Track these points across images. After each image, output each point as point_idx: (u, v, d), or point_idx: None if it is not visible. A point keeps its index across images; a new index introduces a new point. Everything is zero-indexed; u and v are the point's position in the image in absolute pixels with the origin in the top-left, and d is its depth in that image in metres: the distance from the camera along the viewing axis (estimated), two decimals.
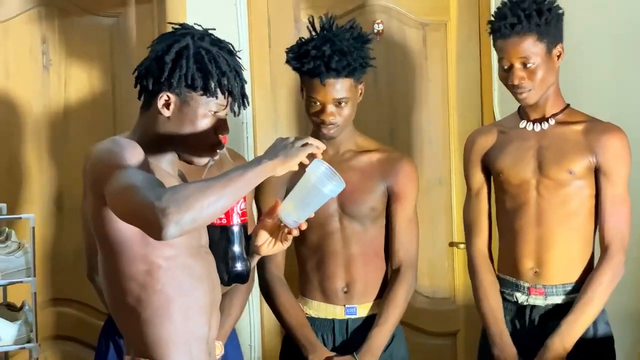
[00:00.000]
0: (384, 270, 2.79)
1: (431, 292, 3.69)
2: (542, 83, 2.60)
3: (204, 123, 1.97)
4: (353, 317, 2.72)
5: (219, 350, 2.56)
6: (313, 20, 2.69)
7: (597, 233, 2.65)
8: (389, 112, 3.68)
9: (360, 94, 2.71)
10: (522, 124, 2.70)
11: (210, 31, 2.05)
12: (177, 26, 2.05)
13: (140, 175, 1.82)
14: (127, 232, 1.90)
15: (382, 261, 2.78)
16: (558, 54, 2.62)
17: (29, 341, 2.67)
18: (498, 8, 2.64)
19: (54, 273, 3.34)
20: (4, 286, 2.85)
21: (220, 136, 2.00)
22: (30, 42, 3.35)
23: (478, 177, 2.78)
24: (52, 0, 3.37)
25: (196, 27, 2.04)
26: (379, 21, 3.63)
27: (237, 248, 2.10)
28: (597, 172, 2.61)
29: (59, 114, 3.37)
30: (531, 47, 2.56)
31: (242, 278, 2.11)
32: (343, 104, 2.63)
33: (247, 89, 2.05)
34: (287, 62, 2.68)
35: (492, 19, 2.64)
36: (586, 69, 3.20)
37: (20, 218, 2.84)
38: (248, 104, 2.05)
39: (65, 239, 3.35)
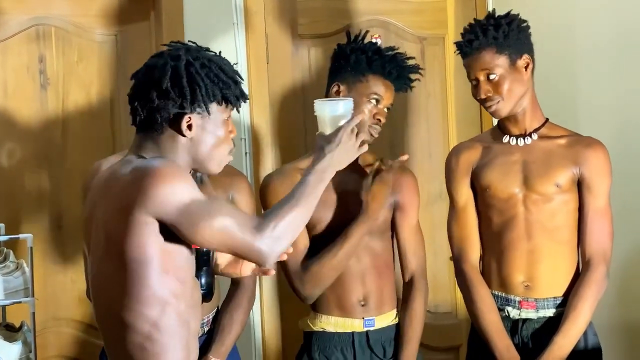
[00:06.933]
0: (394, 280, 2.82)
1: (433, 306, 3.67)
2: (510, 94, 2.62)
3: (223, 131, 2.00)
4: (372, 329, 2.72)
5: None
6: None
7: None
8: (389, 126, 3.61)
9: None
10: (505, 138, 2.71)
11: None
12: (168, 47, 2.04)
13: (227, 208, 1.93)
14: (155, 263, 1.88)
15: (392, 272, 2.81)
16: (525, 65, 2.64)
17: None
18: (461, 33, 2.71)
19: (53, 293, 3.32)
20: (3, 307, 2.83)
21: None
22: (28, 61, 3.34)
23: (465, 191, 2.76)
24: (49, 19, 3.36)
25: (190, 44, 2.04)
26: (376, 36, 3.60)
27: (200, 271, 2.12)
28: (579, 185, 2.63)
29: (57, 133, 3.36)
30: (492, 59, 2.62)
31: (203, 298, 2.12)
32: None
33: (246, 104, 2.05)
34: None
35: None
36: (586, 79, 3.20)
37: (19, 238, 2.82)
38: (247, 99, 2.06)
39: (64, 258, 3.33)
